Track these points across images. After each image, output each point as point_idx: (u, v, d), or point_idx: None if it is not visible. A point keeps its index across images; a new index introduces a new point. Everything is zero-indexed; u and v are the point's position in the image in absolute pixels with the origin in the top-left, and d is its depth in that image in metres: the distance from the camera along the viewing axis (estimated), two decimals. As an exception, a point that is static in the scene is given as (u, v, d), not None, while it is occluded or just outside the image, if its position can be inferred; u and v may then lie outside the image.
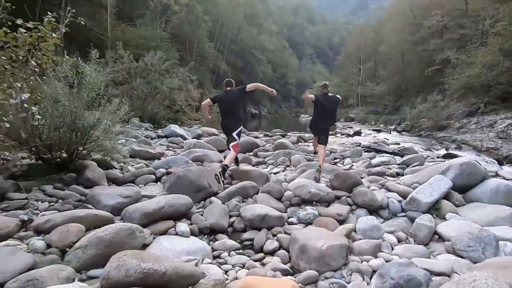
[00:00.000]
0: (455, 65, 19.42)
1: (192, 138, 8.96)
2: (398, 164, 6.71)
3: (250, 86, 4.61)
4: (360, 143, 11.21)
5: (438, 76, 24.35)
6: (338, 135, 14.84)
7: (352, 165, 6.28)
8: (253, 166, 5.56)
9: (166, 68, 11.62)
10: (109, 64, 10.32)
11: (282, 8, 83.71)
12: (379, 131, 20.40)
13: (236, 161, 4.72)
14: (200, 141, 6.86)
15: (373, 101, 34.39)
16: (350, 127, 20.75)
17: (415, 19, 28.26)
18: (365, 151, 8.52)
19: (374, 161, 6.42)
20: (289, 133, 13.28)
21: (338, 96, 5.25)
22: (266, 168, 5.49)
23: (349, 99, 41.02)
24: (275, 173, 5.14)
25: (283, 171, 5.23)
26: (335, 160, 6.78)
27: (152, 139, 8.20)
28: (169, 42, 23.42)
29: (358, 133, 15.06)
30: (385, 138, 14.90)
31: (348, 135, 14.58)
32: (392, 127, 23.12)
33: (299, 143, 9.57)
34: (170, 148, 7.21)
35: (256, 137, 10.91)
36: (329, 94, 5.02)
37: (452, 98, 19.95)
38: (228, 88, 4.68)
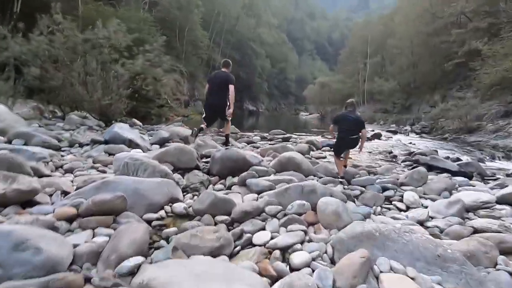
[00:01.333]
0: (486, 56, 16.50)
1: (152, 145, 5.92)
2: (498, 203, 3.76)
3: (232, 89, 4.73)
4: (392, 152, 8.25)
5: (459, 71, 21.64)
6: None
7: (428, 211, 3.27)
8: (235, 225, 2.52)
9: (128, 45, 8.49)
10: (39, 35, 7.14)
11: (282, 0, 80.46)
12: (394, 132, 17.70)
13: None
14: (145, 157, 3.76)
15: (380, 99, 31.60)
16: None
17: (432, 7, 25.23)
18: (410, 167, 5.55)
19: (465, 199, 3.43)
20: (293, 135, 10.28)
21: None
22: (264, 228, 2.47)
23: (354, 97, 38.17)
24: (284, 254, 2.11)
25: (301, 244, 2.19)
26: (386, 193, 3.78)
27: (81, 146, 5.13)
28: (154, 25, 20.33)
29: (377, 136, 12.09)
30: (410, 143, 12.02)
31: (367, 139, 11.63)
32: (407, 128, 20.40)
33: (312, 153, 6.57)
34: (98, 165, 4.13)
35: (251, 142, 7.85)
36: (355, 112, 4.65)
37: (479, 95, 17.12)
38: (225, 69, 4.80)
